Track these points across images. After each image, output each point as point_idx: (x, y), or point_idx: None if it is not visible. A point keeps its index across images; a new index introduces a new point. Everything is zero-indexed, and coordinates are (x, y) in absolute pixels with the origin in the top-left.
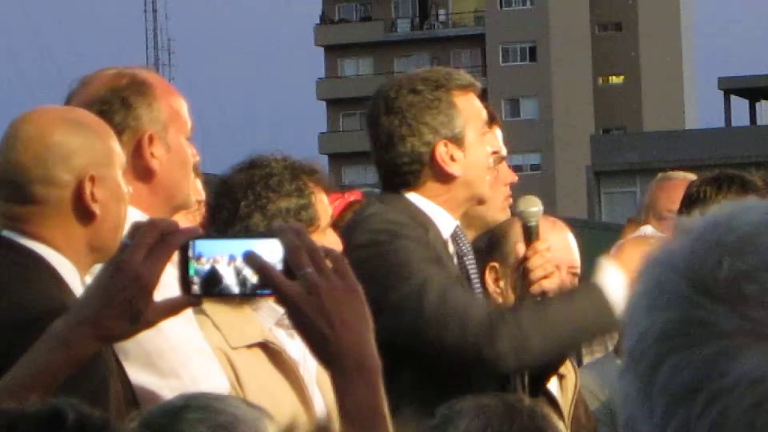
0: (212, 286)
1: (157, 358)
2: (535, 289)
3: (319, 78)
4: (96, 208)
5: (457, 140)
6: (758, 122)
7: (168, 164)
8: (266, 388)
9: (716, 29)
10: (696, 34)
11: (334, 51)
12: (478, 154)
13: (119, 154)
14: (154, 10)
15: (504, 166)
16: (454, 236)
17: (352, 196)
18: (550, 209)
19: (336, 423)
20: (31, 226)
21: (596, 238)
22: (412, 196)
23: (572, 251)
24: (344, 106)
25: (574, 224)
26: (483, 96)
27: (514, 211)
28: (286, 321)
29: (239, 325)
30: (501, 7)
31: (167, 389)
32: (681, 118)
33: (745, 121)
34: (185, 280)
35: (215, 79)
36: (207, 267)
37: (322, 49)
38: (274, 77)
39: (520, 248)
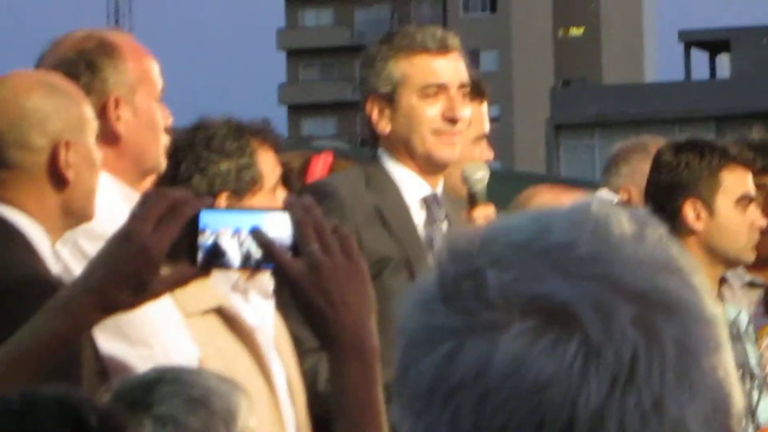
0: (214, 259)
1: (126, 326)
2: None
3: (279, 28)
4: (70, 174)
5: (387, 98)
6: (718, 76)
7: (135, 127)
8: (223, 354)
9: None
10: None
11: (294, 1)
12: (409, 114)
13: (92, 119)
14: None
15: (484, 143)
16: (426, 201)
17: (330, 157)
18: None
19: (295, 386)
20: (4, 190)
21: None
22: (385, 159)
23: None
24: (304, 57)
25: (532, 180)
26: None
27: (462, 176)
28: (242, 286)
29: (193, 291)
30: None
31: (136, 357)
32: (641, 71)
33: (705, 74)
34: (192, 252)
35: (174, 28)
36: (210, 240)
37: None
38: (234, 26)
39: (464, 215)
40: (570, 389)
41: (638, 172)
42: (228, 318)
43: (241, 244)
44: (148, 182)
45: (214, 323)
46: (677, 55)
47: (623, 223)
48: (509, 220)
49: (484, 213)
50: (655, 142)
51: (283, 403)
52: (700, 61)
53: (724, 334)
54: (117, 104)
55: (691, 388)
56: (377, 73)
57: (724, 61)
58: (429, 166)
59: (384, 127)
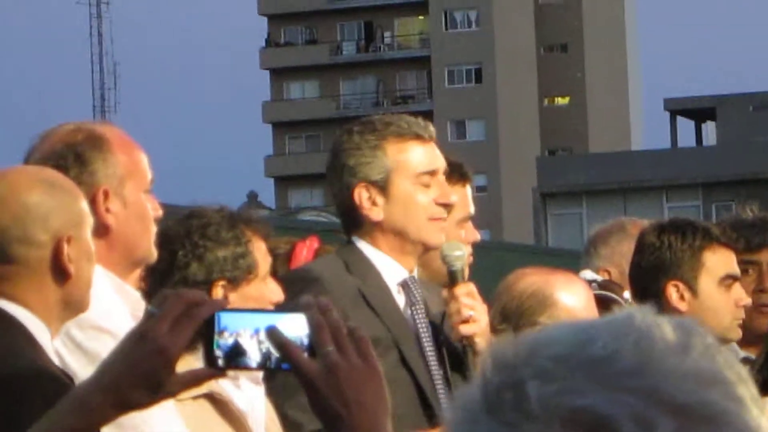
0: (234, 359)
1: (130, 413)
2: (455, 335)
3: (265, 101)
4: (71, 268)
5: (379, 186)
6: (704, 143)
7: (125, 219)
8: None
9: (662, 51)
10: (642, 55)
11: (280, 74)
12: (406, 201)
13: (89, 213)
14: (100, 34)
15: (469, 225)
16: (404, 285)
17: (315, 244)
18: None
19: None
20: (6, 286)
21: (542, 264)
22: (361, 244)
23: (595, 308)
24: (290, 129)
25: (519, 250)
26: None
27: (441, 256)
28: (232, 372)
29: None
30: (446, 29)
31: None
32: (627, 139)
33: (691, 142)
34: (209, 353)
35: (161, 102)
36: (231, 341)
37: (267, 72)
38: (220, 100)
39: (444, 294)
40: None
41: (617, 253)
42: (219, 403)
43: (260, 344)
44: (137, 273)
45: (205, 408)
46: (663, 123)
47: (667, 334)
48: (552, 330)
49: (466, 290)
50: (633, 223)
51: None
52: (687, 129)
53: None
54: (106, 196)
55: None
56: (367, 160)
57: (710, 128)
58: (415, 251)
59: (376, 214)
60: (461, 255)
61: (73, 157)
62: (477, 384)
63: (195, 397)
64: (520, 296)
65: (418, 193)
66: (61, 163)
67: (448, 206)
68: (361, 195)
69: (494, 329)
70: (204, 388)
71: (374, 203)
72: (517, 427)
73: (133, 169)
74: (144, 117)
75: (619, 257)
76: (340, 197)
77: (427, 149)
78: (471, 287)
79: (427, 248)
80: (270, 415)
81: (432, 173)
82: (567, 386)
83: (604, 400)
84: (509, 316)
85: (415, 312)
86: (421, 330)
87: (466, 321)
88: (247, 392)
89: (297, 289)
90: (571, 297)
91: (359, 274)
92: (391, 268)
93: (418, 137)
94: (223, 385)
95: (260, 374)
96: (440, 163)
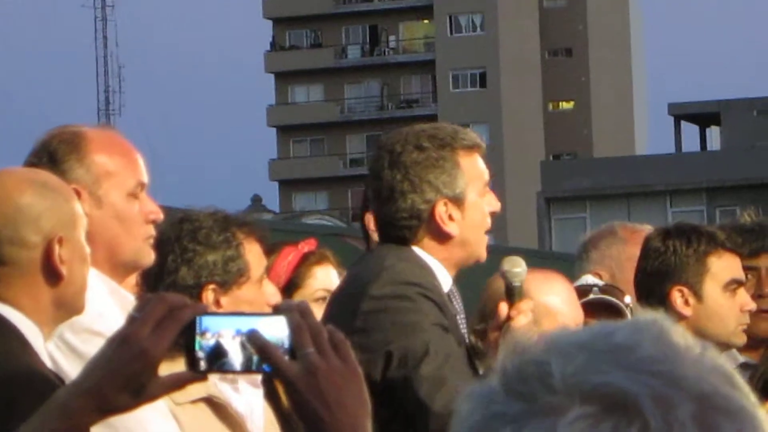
0: (216, 361)
1: (113, 417)
2: None
3: (270, 105)
4: (63, 270)
5: (458, 200)
6: (708, 148)
7: (100, 220)
8: None
9: (666, 56)
10: (646, 60)
11: (285, 78)
12: (477, 216)
13: (82, 215)
14: (105, 37)
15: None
16: (450, 294)
17: (306, 247)
18: (500, 235)
19: None
20: None
21: (546, 269)
22: (417, 250)
23: (578, 306)
24: (295, 133)
25: (523, 254)
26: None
27: (498, 270)
28: (214, 375)
29: None
30: (451, 33)
31: None
32: (631, 144)
33: (696, 146)
34: (191, 356)
35: (166, 105)
36: (212, 342)
37: (272, 75)
38: (225, 104)
39: (503, 308)
40: None
41: (606, 256)
42: (217, 407)
43: (243, 346)
44: (132, 277)
45: (204, 412)
46: (667, 128)
47: (687, 337)
48: (572, 329)
49: (528, 306)
50: (624, 227)
51: None
52: (691, 134)
53: None
54: (79, 195)
55: None
56: (448, 177)
57: (714, 133)
58: (466, 264)
59: (454, 229)
60: (521, 272)
61: (47, 156)
62: (494, 374)
63: (194, 401)
64: (494, 296)
65: (483, 205)
66: (34, 161)
67: (494, 214)
68: (440, 210)
69: (473, 330)
70: (202, 392)
71: (451, 218)
72: (537, 400)
73: (113, 170)
74: (148, 120)
75: (609, 260)
76: (411, 211)
77: (482, 159)
78: (531, 304)
79: (475, 262)
80: (269, 417)
81: (487, 183)
82: (590, 366)
83: (626, 379)
84: (486, 316)
85: (459, 321)
86: (464, 340)
87: None
88: (246, 395)
89: (409, 293)
90: (550, 296)
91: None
92: (442, 276)
93: (479, 148)
94: (221, 389)
95: (258, 377)
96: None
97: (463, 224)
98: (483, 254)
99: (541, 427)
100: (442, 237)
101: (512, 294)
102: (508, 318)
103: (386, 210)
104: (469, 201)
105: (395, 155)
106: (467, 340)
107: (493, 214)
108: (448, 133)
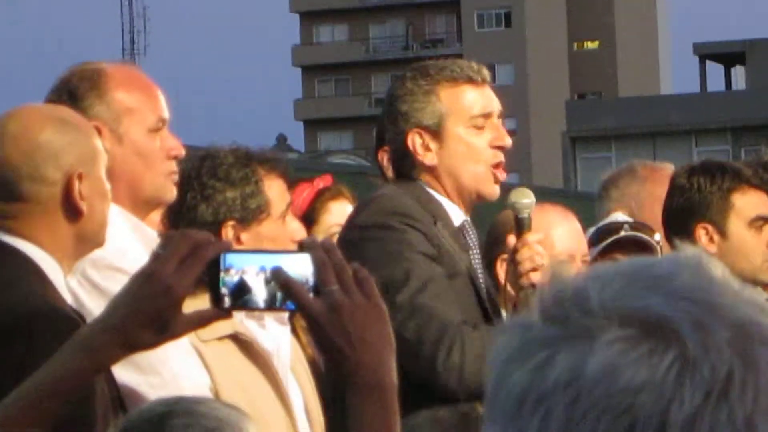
0: (240, 298)
1: (137, 354)
2: (524, 281)
3: (295, 44)
4: (83, 206)
5: (432, 131)
6: (733, 87)
7: (121, 156)
8: (240, 380)
9: None
10: None
11: (310, 17)
12: (460, 147)
13: (102, 151)
14: None
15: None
16: (462, 229)
17: (321, 183)
18: (525, 175)
19: (312, 411)
20: (18, 223)
21: (571, 208)
22: (424, 184)
23: (583, 240)
24: (319, 73)
25: (548, 193)
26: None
27: (506, 203)
28: (238, 312)
29: None
30: None
31: (147, 386)
32: (656, 84)
33: (721, 86)
34: (215, 292)
35: (190, 46)
36: (236, 279)
37: (297, 15)
38: (250, 44)
39: (511, 240)
40: (663, 396)
41: (626, 195)
42: (244, 344)
43: (267, 283)
44: (156, 214)
45: (230, 349)
46: (692, 68)
47: (725, 273)
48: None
49: (538, 238)
50: (644, 166)
51: (300, 428)
52: (716, 73)
53: None
54: (99, 132)
55: None
56: (420, 106)
57: (739, 72)
58: (470, 199)
59: (430, 159)
60: (529, 203)
61: (67, 93)
62: (530, 307)
63: (220, 338)
64: (499, 224)
65: (472, 137)
66: (54, 98)
67: (504, 149)
68: (415, 140)
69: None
70: (228, 329)
71: (427, 148)
72: (573, 324)
73: (134, 106)
74: (173, 60)
75: (629, 199)
76: (394, 143)
77: (480, 92)
78: (542, 236)
79: (480, 199)
80: (297, 355)
81: (486, 116)
82: (628, 291)
83: (665, 304)
84: (492, 247)
85: (471, 257)
86: (476, 275)
87: (536, 269)
88: (272, 332)
89: (391, 223)
90: (555, 229)
91: (432, 213)
92: (452, 211)
93: (471, 80)
94: (248, 326)
95: (286, 314)
96: (495, 105)
97: (442, 154)
98: (486, 189)
99: (577, 350)
100: (425, 168)
101: (520, 225)
102: (515, 250)
103: (388, 145)
104: (449, 131)
105: (389, 90)
106: (480, 276)
107: (501, 149)
108: (438, 65)
